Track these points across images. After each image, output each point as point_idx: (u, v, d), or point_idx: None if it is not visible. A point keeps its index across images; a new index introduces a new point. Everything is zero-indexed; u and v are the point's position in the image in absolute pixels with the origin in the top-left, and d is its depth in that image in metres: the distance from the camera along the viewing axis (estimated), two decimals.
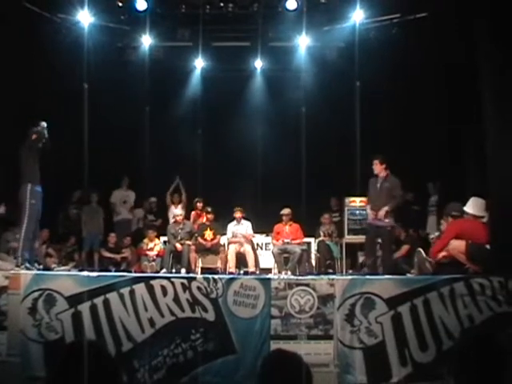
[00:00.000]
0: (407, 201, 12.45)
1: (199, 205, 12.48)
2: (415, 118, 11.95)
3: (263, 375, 2.49)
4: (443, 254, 7.99)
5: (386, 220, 9.01)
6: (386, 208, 8.93)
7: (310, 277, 8.34)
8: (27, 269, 7.98)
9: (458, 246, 7.80)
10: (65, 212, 12.95)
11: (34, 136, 8.48)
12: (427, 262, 8.77)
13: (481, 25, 8.38)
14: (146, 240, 12.09)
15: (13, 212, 9.40)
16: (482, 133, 8.48)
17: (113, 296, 7.24)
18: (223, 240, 11.81)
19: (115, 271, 10.89)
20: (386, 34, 12.60)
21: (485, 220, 8.17)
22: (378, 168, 9.24)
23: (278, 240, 11.50)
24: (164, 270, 10.94)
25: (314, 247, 12.25)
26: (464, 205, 8.29)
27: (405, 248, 10.75)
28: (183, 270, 10.93)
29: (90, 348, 2.29)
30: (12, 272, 7.70)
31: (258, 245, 12.29)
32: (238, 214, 11.78)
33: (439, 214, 11.50)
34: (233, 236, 11.68)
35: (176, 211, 12.18)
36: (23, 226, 8.32)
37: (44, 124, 8.63)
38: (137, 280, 7.42)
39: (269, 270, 11.51)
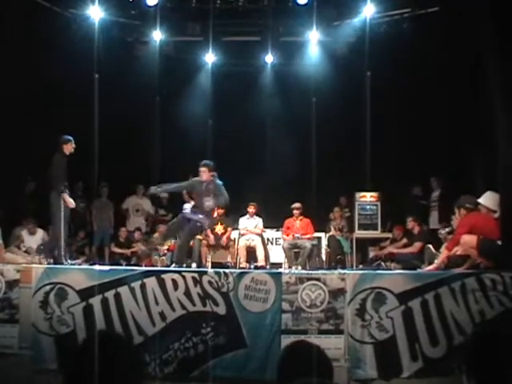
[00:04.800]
0: (415, 195, 12.42)
1: None
2: (425, 113, 11.88)
3: (284, 365, 2.48)
4: (458, 251, 7.94)
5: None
6: None
7: (320, 271, 8.32)
8: (71, 264, 8.61)
9: (469, 241, 7.74)
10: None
11: (67, 148, 8.83)
12: (437, 257, 8.73)
13: (486, 20, 8.32)
14: (156, 235, 12.10)
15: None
16: (489, 128, 8.42)
17: (124, 290, 7.26)
18: (234, 234, 11.83)
19: (126, 265, 10.92)
20: (396, 29, 12.56)
21: (496, 215, 8.13)
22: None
23: (288, 235, 11.52)
24: (174, 265, 10.95)
25: (324, 242, 12.26)
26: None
27: (418, 245, 10.57)
28: (194, 265, 10.94)
29: (114, 337, 2.27)
30: (23, 266, 7.77)
31: (268, 239, 12.29)
32: (251, 209, 11.82)
33: (441, 209, 11.45)
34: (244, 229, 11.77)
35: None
36: (61, 229, 8.66)
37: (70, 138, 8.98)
38: (148, 274, 7.43)
39: (279, 265, 11.52)
